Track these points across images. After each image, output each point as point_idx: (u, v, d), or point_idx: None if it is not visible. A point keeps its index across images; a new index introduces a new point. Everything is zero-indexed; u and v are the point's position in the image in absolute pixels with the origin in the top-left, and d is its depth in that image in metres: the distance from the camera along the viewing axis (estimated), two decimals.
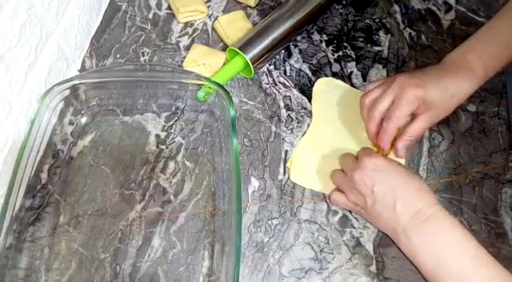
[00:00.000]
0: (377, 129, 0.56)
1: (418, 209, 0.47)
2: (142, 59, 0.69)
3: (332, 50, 0.71)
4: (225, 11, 0.74)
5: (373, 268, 0.54)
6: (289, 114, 0.65)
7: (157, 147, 0.61)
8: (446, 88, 0.54)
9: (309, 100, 0.66)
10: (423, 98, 0.54)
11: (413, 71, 0.61)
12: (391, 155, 0.58)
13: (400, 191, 0.48)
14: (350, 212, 0.58)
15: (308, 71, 0.69)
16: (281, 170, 0.61)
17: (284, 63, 0.69)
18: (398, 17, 0.74)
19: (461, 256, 0.44)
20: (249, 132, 0.63)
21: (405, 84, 0.54)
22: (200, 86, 0.61)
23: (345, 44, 0.71)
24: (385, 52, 0.71)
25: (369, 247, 0.55)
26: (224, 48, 0.70)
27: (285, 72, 0.69)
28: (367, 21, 0.74)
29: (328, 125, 0.63)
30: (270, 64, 0.69)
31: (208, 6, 0.74)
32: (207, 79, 0.59)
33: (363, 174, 0.50)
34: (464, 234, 0.45)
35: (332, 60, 0.70)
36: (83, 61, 0.68)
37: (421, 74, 0.56)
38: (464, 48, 0.58)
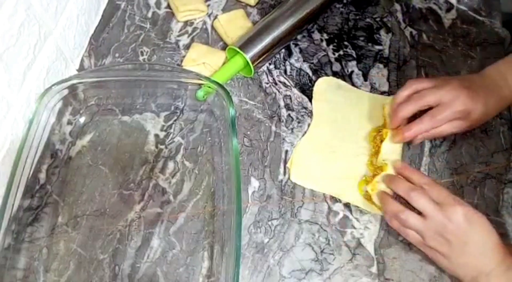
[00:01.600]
0: (404, 119, 0.57)
1: (503, 258, 0.48)
2: (141, 58, 0.68)
3: (332, 49, 0.70)
4: (225, 10, 0.74)
5: (374, 269, 0.54)
6: (289, 114, 0.65)
7: (156, 146, 0.61)
8: (489, 107, 0.56)
9: (310, 100, 0.66)
10: (470, 108, 0.55)
11: (459, 77, 0.62)
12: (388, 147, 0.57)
13: (485, 243, 0.49)
14: (350, 212, 0.57)
15: (308, 71, 0.68)
16: (281, 170, 0.60)
17: (284, 63, 0.69)
18: (399, 16, 0.74)
19: None
20: (249, 132, 0.63)
21: (458, 92, 0.55)
22: (199, 85, 0.60)
23: (345, 43, 0.71)
24: (386, 51, 0.70)
25: (370, 248, 0.55)
26: (224, 47, 0.69)
27: (285, 71, 0.68)
28: (368, 20, 0.73)
29: (329, 125, 0.63)
30: (270, 64, 0.69)
31: (208, 5, 0.74)
32: (207, 78, 0.59)
33: (454, 224, 0.49)
34: None
35: (332, 60, 0.69)
36: (82, 61, 0.68)
37: (471, 85, 0.56)
38: (503, 64, 0.58)
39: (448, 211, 0.49)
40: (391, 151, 0.58)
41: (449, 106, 0.55)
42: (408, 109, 0.56)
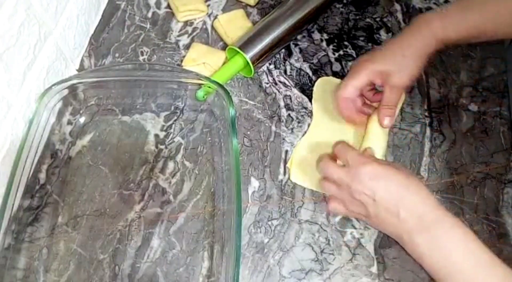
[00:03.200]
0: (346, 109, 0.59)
1: (421, 213, 0.46)
2: (141, 58, 0.68)
3: (332, 49, 0.70)
4: (225, 10, 0.74)
5: (374, 269, 0.54)
6: (289, 114, 0.65)
7: (156, 146, 0.61)
8: (392, 50, 0.57)
9: (310, 99, 0.66)
10: (373, 69, 0.56)
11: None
12: (369, 140, 0.57)
13: (401, 197, 0.47)
14: None
15: (308, 71, 0.68)
16: (281, 170, 0.60)
17: (284, 63, 0.69)
18: (399, 16, 0.74)
19: (467, 257, 0.44)
20: (249, 132, 0.63)
21: (356, 62, 0.59)
22: (199, 85, 0.60)
23: (345, 43, 0.71)
24: None
25: (370, 248, 0.55)
26: (224, 47, 0.69)
27: (285, 71, 0.68)
28: (368, 20, 0.73)
29: (329, 125, 0.63)
30: (270, 64, 0.69)
31: (208, 5, 0.74)
32: (207, 78, 0.59)
33: (361, 184, 0.48)
34: (469, 234, 0.45)
35: (332, 60, 0.69)
36: (82, 61, 0.68)
37: (373, 49, 0.59)
38: (431, 11, 0.59)
39: (352, 172, 0.49)
40: (375, 139, 0.58)
41: (350, 74, 0.58)
42: (339, 103, 0.59)
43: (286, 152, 0.62)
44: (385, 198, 0.47)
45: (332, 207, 0.53)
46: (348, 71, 0.68)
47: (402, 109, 0.65)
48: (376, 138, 0.58)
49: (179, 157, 0.60)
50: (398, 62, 0.56)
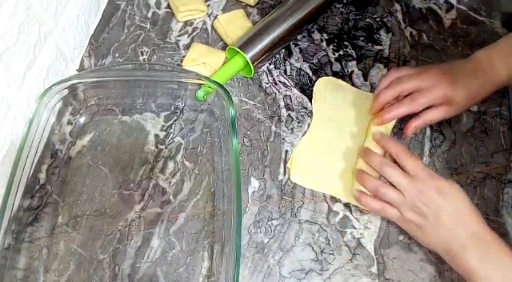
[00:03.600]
0: (385, 103, 0.58)
1: (475, 230, 0.49)
2: (141, 58, 0.68)
3: (332, 49, 0.70)
4: (225, 10, 0.74)
5: (374, 269, 0.54)
6: (289, 114, 0.65)
7: (156, 146, 0.61)
8: (472, 91, 0.57)
9: (310, 100, 0.66)
10: (450, 96, 0.56)
11: (441, 64, 0.62)
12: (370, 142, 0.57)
13: (459, 214, 0.50)
14: (350, 212, 0.57)
15: (308, 71, 0.68)
16: (281, 170, 0.60)
17: (284, 63, 0.69)
18: (399, 16, 0.74)
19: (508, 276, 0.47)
20: (249, 132, 0.63)
21: (438, 78, 0.56)
22: (199, 85, 0.60)
23: (345, 43, 0.71)
24: (386, 51, 0.70)
25: (370, 248, 0.55)
26: (224, 47, 0.69)
27: (285, 71, 0.68)
28: (368, 20, 0.73)
29: (329, 125, 0.63)
30: (270, 64, 0.69)
31: (208, 5, 0.74)
32: (207, 78, 0.59)
33: (427, 197, 0.50)
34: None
35: (332, 60, 0.69)
36: (82, 61, 0.68)
37: (451, 70, 0.58)
38: (491, 49, 0.59)
39: (421, 183, 0.51)
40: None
41: (429, 91, 0.56)
42: (388, 95, 0.57)
43: (286, 152, 0.62)
44: (446, 212, 0.50)
45: (389, 213, 0.53)
46: (351, 72, 0.68)
47: None
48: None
49: (179, 157, 0.60)
50: (468, 102, 0.57)
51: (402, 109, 0.57)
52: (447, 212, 0.50)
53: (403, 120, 0.59)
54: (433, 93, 0.56)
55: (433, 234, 0.50)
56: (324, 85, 0.67)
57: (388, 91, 0.58)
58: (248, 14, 0.73)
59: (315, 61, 0.69)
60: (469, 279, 0.48)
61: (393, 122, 0.59)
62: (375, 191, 0.53)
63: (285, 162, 0.61)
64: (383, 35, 0.72)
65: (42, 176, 0.58)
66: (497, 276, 0.47)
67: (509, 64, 0.57)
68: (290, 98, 0.66)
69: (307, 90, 0.66)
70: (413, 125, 0.58)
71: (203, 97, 0.62)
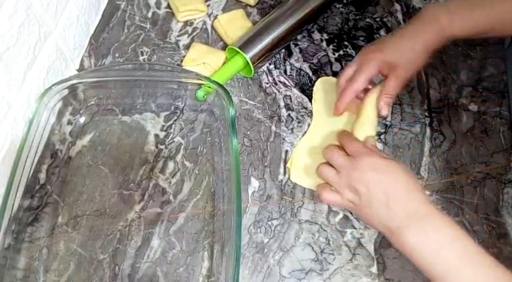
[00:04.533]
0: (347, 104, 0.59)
1: (412, 208, 0.47)
2: (141, 58, 0.68)
3: (332, 49, 0.70)
4: (225, 10, 0.74)
5: (374, 269, 0.54)
6: (289, 114, 0.65)
7: (156, 146, 0.61)
8: (402, 44, 0.57)
9: (310, 99, 0.66)
10: (383, 60, 0.57)
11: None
12: (362, 127, 0.57)
13: (395, 191, 0.48)
14: (351, 212, 0.57)
15: (308, 71, 0.68)
16: (281, 170, 0.60)
17: (284, 63, 0.69)
18: (399, 16, 0.74)
19: (455, 253, 0.45)
20: (249, 132, 0.63)
21: (365, 52, 0.59)
22: (199, 85, 0.60)
23: (345, 43, 0.71)
24: None
25: (370, 248, 0.55)
26: (224, 47, 0.69)
27: (285, 71, 0.68)
28: (368, 20, 0.73)
29: (329, 125, 0.63)
30: (270, 64, 0.69)
31: (208, 5, 0.74)
32: (207, 78, 0.59)
33: (360, 173, 0.49)
34: (458, 231, 0.46)
35: (332, 60, 0.69)
36: (82, 61, 0.68)
37: (382, 39, 0.60)
38: (437, 4, 0.59)
39: (356, 162, 0.50)
40: (368, 124, 0.58)
41: (360, 66, 0.58)
42: (347, 97, 0.59)
43: (286, 152, 0.62)
44: (379, 190, 0.48)
45: (326, 196, 0.53)
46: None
47: (402, 109, 0.65)
48: (369, 123, 0.58)
49: (179, 157, 0.60)
50: (407, 55, 0.57)
51: (348, 94, 0.58)
52: (380, 189, 0.48)
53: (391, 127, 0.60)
54: (366, 66, 0.57)
55: (370, 213, 0.49)
56: (324, 85, 0.67)
57: (346, 95, 0.59)
58: (248, 14, 0.73)
59: (315, 61, 0.69)
60: (411, 259, 0.46)
61: (375, 122, 0.59)
62: (318, 172, 0.54)
63: (285, 162, 0.61)
64: (383, 35, 0.72)
65: (42, 176, 0.58)
66: (439, 253, 0.45)
67: (453, 17, 0.56)
68: (290, 98, 0.66)
69: (307, 90, 0.66)
70: (381, 105, 0.57)
71: (203, 97, 0.62)
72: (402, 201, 0.48)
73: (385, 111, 0.57)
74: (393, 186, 0.48)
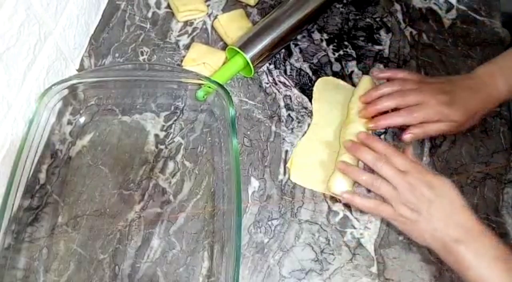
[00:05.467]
0: (384, 108, 0.58)
1: (471, 226, 0.49)
2: (141, 58, 0.68)
3: (332, 49, 0.70)
4: (225, 10, 0.74)
5: (374, 269, 0.54)
6: (289, 114, 0.64)
7: (156, 146, 0.61)
8: (471, 109, 0.57)
9: (310, 99, 0.66)
10: (448, 116, 0.56)
11: (443, 78, 0.62)
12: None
13: (453, 208, 0.50)
14: (350, 212, 0.57)
15: (308, 71, 0.68)
16: (281, 170, 0.60)
17: (284, 63, 0.69)
18: (399, 16, 0.74)
19: (505, 276, 0.46)
20: (249, 132, 0.63)
21: (434, 98, 0.57)
22: (199, 85, 0.60)
23: (345, 43, 0.71)
24: (386, 51, 0.70)
25: (370, 248, 0.55)
26: (224, 47, 0.69)
27: (285, 71, 0.68)
28: (368, 20, 0.73)
29: (329, 124, 0.63)
30: (270, 64, 0.69)
31: (208, 5, 0.74)
32: (207, 78, 0.59)
33: (418, 192, 0.50)
34: (507, 251, 0.47)
35: (332, 60, 0.69)
36: (82, 61, 0.68)
37: (451, 87, 0.58)
38: (491, 65, 0.59)
39: (412, 178, 0.51)
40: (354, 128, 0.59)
41: (426, 106, 0.56)
42: (389, 103, 0.58)
43: (286, 152, 0.62)
44: (440, 207, 0.50)
45: (381, 209, 0.53)
46: (351, 72, 0.68)
47: None
48: (358, 119, 0.59)
49: (179, 157, 0.60)
50: (469, 119, 0.57)
51: (398, 120, 0.58)
52: (439, 206, 0.50)
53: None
54: (429, 110, 0.56)
55: (427, 229, 0.50)
56: (324, 85, 0.67)
57: (389, 101, 0.58)
58: (248, 14, 0.73)
59: (315, 61, 0.69)
60: (465, 275, 0.48)
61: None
62: (369, 183, 0.53)
63: (285, 162, 0.61)
64: (383, 35, 0.72)
65: (42, 176, 0.58)
66: (493, 273, 0.46)
67: (508, 78, 0.57)
68: (290, 98, 0.66)
69: (307, 90, 0.66)
70: (413, 132, 0.58)
71: (203, 97, 0.62)
72: (459, 218, 0.49)
73: (408, 140, 0.58)
74: (449, 203, 0.50)
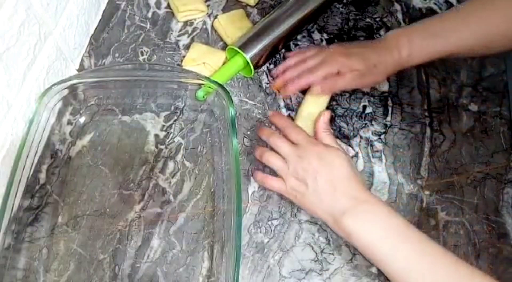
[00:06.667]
0: (288, 80, 0.63)
1: (355, 194, 0.50)
2: (141, 58, 0.68)
3: None
4: (225, 10, 0.74)
5: (374, 269, 0.54)
6: (289, 114, 0.64)
7: (156, 146, 0.61)
8: (369, 59, 0.60)
9: None
10: (348, 66, 0.59)
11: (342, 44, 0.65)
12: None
13: (340, 179, 0.51)
14: None
15: None
16: None
17: None
18: (399, 16, 0.74)
19: (389, 231, 0.47)
20: (249, 132, 0.63)
21: (333, 52, 0.62)
22: (199, 85, 0.60)
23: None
24: None
25: None
26: (224, 47, 0.69)
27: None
28: (368, 20, 0.73)
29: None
30: (270, 63, 0.69)
31: (208, 5, 0.74)
32: (207, 78, 0.59)
33: (308, 161, 0.51)
34: (391, 212, 0.49)
35: None
36: (82, 61, 0.68)
37: (352, 46, 0.63)
38: (401, 30, 0.62)
39: (302, 150, 0.53)
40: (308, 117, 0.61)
41: (325, 63, 0.61)
42: (293, 73, 0.62)
43: None
44: (325, 178, 0.51)
45: (269, 182, 0.55)
46: None
47: (402, 109, 0.65)
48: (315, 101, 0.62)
49: (179, 157, 0.60)
50: (369, 69, 0.60)
51: (301, 81, 0.61)
52: (325, 177, 0.50)
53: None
54: (328, 64, 0.60)
55: (315, 201, 0.51)
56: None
57: (292, 71, 0.62)
58: (248, 14, 0.73)
59: None
60: (350, 241, 0.49)
61: (326, 102, 0.62)
62: (260, 156, 0.56)
63: None
64: (383, 35, 0.71)
65: (42, 176, 0.58)
66: (375, 235, 0.47)
67: (412, 47, 0.59)
68: (290, 98, 0.66)
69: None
70: (318, 86, 0.61)
71: (203, 97, 0.62)
72: (345, 188, 0.50)
73: (315, 92, 0.61)
74: (337, 174, 0.51)
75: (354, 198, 0.49)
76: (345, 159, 0.52)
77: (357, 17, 0.73)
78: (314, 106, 0.61)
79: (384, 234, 0.47)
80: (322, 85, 0.60)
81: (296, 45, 0.70)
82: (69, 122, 0.62)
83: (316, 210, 0.51)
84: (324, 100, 0.62)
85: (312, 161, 0.51)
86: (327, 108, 0.63)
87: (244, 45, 0.64)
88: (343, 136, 0.63)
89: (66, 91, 0.59)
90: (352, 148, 0.62)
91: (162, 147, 0.61)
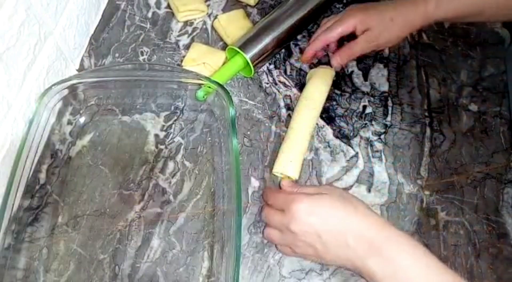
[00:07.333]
0: (315, 51, 0.65)
1: (368, 237, 0.46)
2: (141, 58, 0.68)
3: None
4: (225, 10, 0.74)
5: None
6: (289, 114, 0.64)
7: (156, 146, 0.61)
8: (385, 11, 0.59)
9: None
10: (363, 20, 0.59)
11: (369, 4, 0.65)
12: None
13: (345, 225, 0.46)
14: None
15: (308, 70, 0.68)
16: None
17: (284, 63, 0.69)
18: None
19: (418, 269, 0.44)
20: (249, 132, 0.63)
21: (350, 9, 0.62)
22: (199, 85, 0.60)
23: (345, 43, 0.71)
24: (386, 51, 0.70)
25: None
26: (224, 47, 0.69)
27: (285, 71, 0.68)
28: None
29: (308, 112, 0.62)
30: (270, 64, 0.69)
31: (208, 5, 0.74)
32: (207, 78, 0.59)
33: (300, 223, 0.47)
34: (417, 247, 0.45)
35: None
36: (82, 61, 0.68)
37: (372, 3, 0.62)
38: None
39: (289, 216, 0.48)
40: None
41: (342, 20, 0.61)
42: (318, 44, 0.63)
43: None
44: (329, 231, 0.47)
45: (283, 252, 0.53)
46: (351, 72, 0.68)
47: (402, 109, 0.65)
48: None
49: (179, 157, 0.60)
50: (385, 23, 0.59)
51: (317, 43, 0.62)
52: (328, 229, 0.46)
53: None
54: (344, 21, 0.60)
55: (332, 258, 0.48)
56: (315, 73, 0.66)
57: (317, 41, 0.63)
58: (248, 14, 0.73)
59: (315, 61, 0.69)
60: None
61: (328, 86, 0.63)
62: (265, 234, 0.54)
63: None
64: None
65: (42, 176, 0.58)
66: (403, 276, 0.44)
67: (439, 7, 0.57)
68: (290, 98, 0.66)
69: None
70: (337, 56, 0.62)
71: (203, 97, 0.62)
72: (356, 233, 0.46)
73: (335, 63, 0.63)
74: (339, 221, 0.46)
75: (369, 241, 0.45)
76: (336, 198, 0.48)
77: None
78: (317, 92, 0.62)
79: (413, 273, 0.44)
80: (340, 55, 0.60)
81: (296, 45, 0.70)
82: (69, 122, 0.62)
83: (338, 263, 0.48)
84: (325, 88, 0.63)
85: (304, 219, 0.46)
86: (328, 97, 0.64)
87: (244, 45, 0.64)
88: (343, 136, 0.63)
89: (66, 91, 0.59)
90: (352, 147, 0.62)
91: (162, 147, 0.61)
